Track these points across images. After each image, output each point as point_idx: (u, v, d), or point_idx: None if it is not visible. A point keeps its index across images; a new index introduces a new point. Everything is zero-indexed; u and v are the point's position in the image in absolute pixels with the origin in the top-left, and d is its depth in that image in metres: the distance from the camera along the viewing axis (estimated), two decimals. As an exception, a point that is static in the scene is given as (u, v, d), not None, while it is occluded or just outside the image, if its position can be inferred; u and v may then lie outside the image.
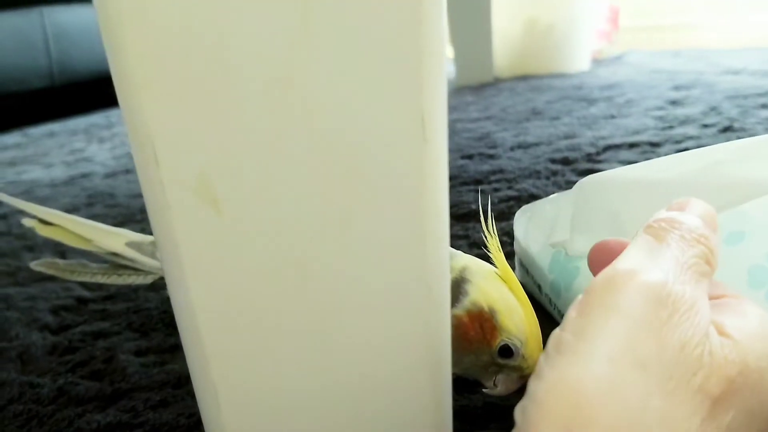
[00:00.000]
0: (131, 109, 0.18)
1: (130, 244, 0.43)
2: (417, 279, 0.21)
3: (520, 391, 0.34)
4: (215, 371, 0.21)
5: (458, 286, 0.30)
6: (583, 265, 0.36)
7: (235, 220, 0.19)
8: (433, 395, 0.23)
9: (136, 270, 0.44)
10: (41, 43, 1.58)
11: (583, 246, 0.37)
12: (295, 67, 0.18)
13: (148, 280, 0.44)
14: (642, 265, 0.20)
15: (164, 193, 0.19)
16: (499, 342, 0.29)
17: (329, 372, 0.21)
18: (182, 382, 0.39)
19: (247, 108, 0.18)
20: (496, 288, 0.30)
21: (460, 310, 0.29)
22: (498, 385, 0.30)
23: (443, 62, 0.19)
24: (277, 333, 0.21)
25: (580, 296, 0.20)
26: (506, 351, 0.29)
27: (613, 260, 0.22)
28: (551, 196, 0.46)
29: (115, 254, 0.44)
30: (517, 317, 0.29)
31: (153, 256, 0.43)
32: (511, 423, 0.31)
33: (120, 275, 0.44)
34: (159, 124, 0.18)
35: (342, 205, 0.19)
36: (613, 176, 0.39)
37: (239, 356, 0.21)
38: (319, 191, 0.19)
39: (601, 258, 0.26)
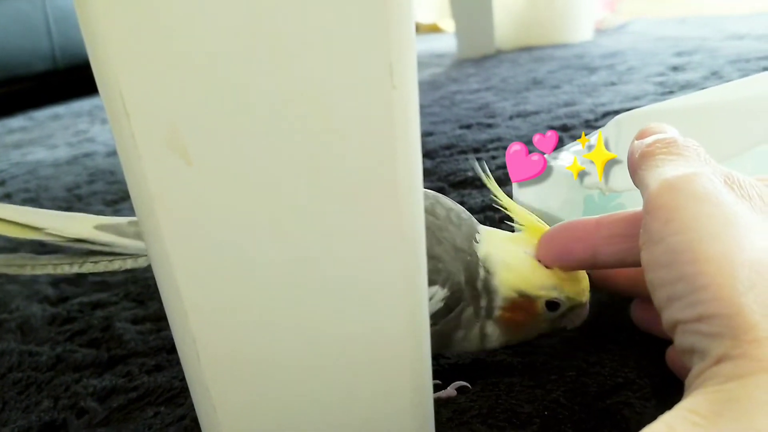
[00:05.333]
0: (99, 61, 0.18)
1: (102, 227, 0.37)
2: (390, 226, 0.21)
3: (511, 347, 0.34)
4: (193, 322, 0.21)
5: (487, 285, 0.30)
6: (626, 200, 0.37)
7: (205, 171, 0.19)
8: (411, 346, 0.23)
9: (117, 254, 0.37)
10: (43, 27, 1.58)
11: (623, 181, 0.37)
12: (260, 14, 0.18)
13: (141, 263, 0.37)
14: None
15: (135, 145, 0.19)
16: (541, 307, 0.30)
17: (305, 320, 0.22)
18: (177, 348, 0.40)
19: (212, 57, 0.18)
20: (512, 264, 0.30)
21: (499, 311, 0.30)
22: (573, 322, 0.32)
23: (411, 8, 0.19)
24: (252, 282, 0.21)
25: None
26: (553, 305, 0.30)
27: (568, 242, 0.29)
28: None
29: (80, 240, 0.37)
30: (539, 277, 0.30)
31: (138, 236, 0.37)
32: (497, 378, 0.32)
33: (96, 263, 0.37)
34: (127, 75, 0.18)
35: (310, 153, 0.19)
36: (651, 110, 0.39)
37: (216, 306, 0.21)
38: (286, 141, 0.19)
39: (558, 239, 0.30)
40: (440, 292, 0.29)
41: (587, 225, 0.29)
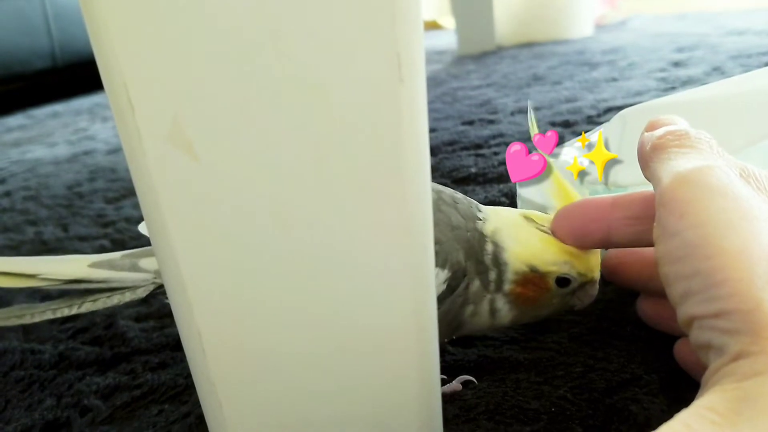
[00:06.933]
0: (104, 53, 0.18)
1: (96, 265, 0.37)
2: (397, 220, 0.21)
3: (517, 342, 0.34)
4: (199, 316, 0.21)
5: (497, 258, 0.30)
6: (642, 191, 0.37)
7: (210, 164, 0.19)
8: (418, 340, 0.23)
9: (115, 289, 0.37)
10: (42, 24, 1.58)
11: (627, 176, 0.37)
12: (266, 6, 0.18)
13: (140, 294, 0.37)
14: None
15: (140, 139, 0.19)
16: (552, 283, 0.30)
17: (312, 314, 0.21)
18: (181, 345, 0.39)
19: (218, 50, 0.18)
20: (524, 239, 0.31)
21: (510, 285, 0.30)
22: (583, 301, 0.32)
23: (418, 1, 0.19)
24: (257, 275, 0.21)
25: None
26: (564, 282, 0.30)
27: (584, 223, 0.29)
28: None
29: (76, 281, 0.37)
30: (550, 252, 0.30)
31: (134, 268, 0.37)
32: (503, 374, 0.32)
33: (95, 301, 0.37)
34: (132, 67, 0.18)
35: (317, 147, 0.19)
36: (655, 105, 0.39)
37: (222, 299, 0.21)
38: (293, 134, 0.19)
39: (572, 219, 0.30)
40: (441, 274, 0.29)
41: (602, 204, 0.29)
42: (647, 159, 0.26)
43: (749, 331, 0.19)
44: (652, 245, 0.24)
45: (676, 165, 0.23)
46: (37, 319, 0.37)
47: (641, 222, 0.28)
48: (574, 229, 0.30)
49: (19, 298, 0.49)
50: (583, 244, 0.30)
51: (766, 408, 0.17)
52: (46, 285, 0.37)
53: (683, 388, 0.28)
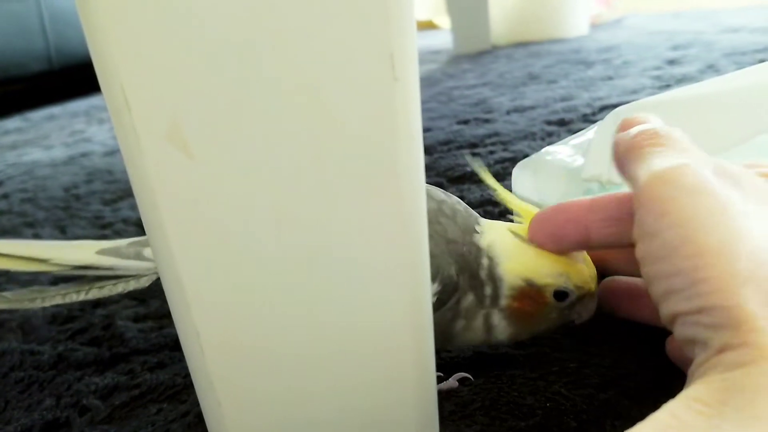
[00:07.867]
0: (100, 54, 0.18)
1: (104, 252, 0.38)
2: (392, 217, 0.21)
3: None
4: (197, 315, 0.21)
5: (492, 273, 0.30)
6: (625, 191, 0.37)
7: (206, 163, 0.19)
8: (414, 338, 0.23)
9: (121, 277, 0.38)
10: (38, 27, 1.57)
11: None
12: (260, 6, 0.18)
13: (143, 283, 0.38)
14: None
15: (137, 139, 0.19)
16: (550, 297, 0.30)
17: (309, 312, 0.22)
18: (179, 345, 0.39)
19: (213, 49, 0.18)
20: (518, 253, 0.30)
21: (507, 300, 0.30)
22: (582, 315, 0.31)
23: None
24: (255, 274, 0.21)
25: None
26: (561, 295, 0.30)
27: (561, 224, 0.29)
28: (559, 142, 0.46)
29: (85, 267, 0.38)
30: (546, 265, 0.30)
31: (138, 256, 0.38)
32: (499, 371, 0.32)
33: (101, 288, 0.38)
34: (128, 68, 0.18)
35: (312, 146, 0.19)
36: (648, 103, 0.39)
37: (219, 299, 0.21)
38: (288, 133, 0.19)
39: (547, 224, 0.30)
40: (432, 287, 0.29)
41: (580, 207, 0.29)
42: (622, 159, 0.26)
43: (731, 326, 0.19)
44: (630, 245, 0.25)
45: (651, 164, 0.24)
46: (47, 303, 0.38)
47: (618, 223, 0.28)
48: (552, 231, 0.30)
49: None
50: (561, 246, 0.30)
51: (750, 397, 0.17)
52: (56, 270, 0.38)
53: (676, 383, 0.28)
